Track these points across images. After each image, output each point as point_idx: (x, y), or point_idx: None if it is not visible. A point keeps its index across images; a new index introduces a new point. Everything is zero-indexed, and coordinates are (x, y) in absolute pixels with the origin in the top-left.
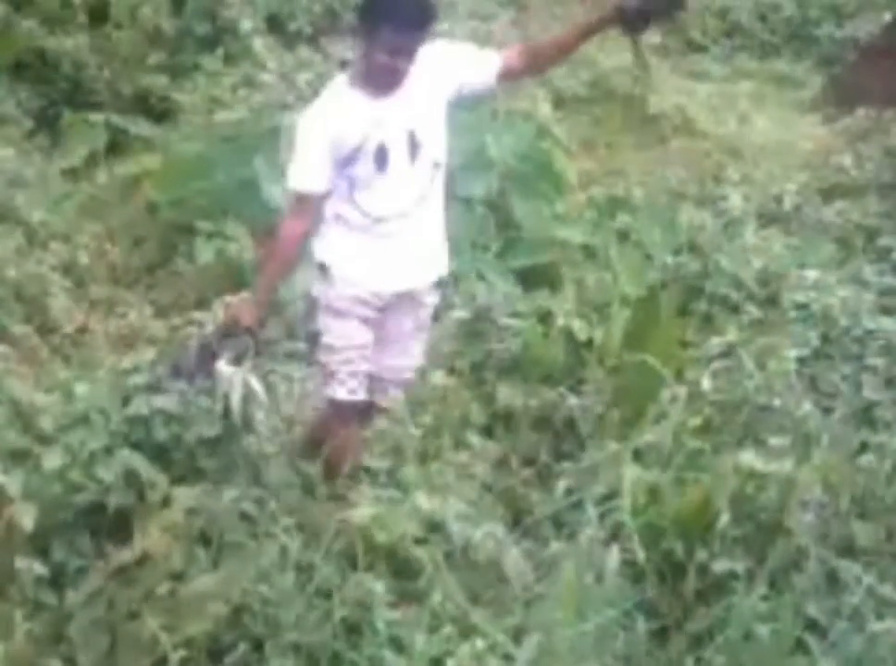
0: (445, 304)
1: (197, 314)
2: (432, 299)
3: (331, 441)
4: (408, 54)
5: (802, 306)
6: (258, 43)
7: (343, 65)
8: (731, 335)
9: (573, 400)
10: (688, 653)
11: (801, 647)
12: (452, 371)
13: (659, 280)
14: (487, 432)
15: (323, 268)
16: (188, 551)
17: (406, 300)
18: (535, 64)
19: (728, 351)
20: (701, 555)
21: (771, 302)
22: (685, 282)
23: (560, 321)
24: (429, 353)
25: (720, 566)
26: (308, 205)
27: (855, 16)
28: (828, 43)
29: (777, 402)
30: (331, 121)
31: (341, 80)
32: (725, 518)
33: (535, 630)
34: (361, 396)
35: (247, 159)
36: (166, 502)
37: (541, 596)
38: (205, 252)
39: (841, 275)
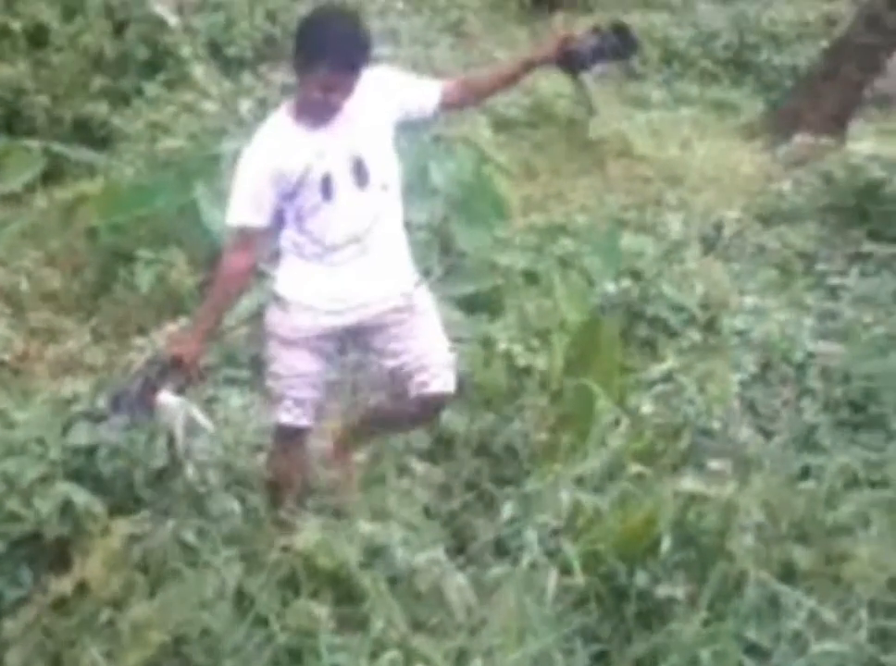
0: None
1: (138, 341)
2: (420, 300)
3: (276, 465)
4: (342, 90)
5: (741, 331)
6: (199, 70)
7: (285, 90)
8: (672, 360)
9: (515, 426)
10: None
11: None
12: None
13: (600, 306)
14: (430, 457)
15: (279, 300)
16: (127, 580)
17: (390, 313)
18: (475, 95)
19: (668, 376)
20: (642, 579)
21: (711, 327)
22: (626, 308)
23: (502, 347)
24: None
25: (662, 591)
26: (249, 240)
27: (794, 43)
28: (767, 69)
29: (717, 427)
30: (271, 155)
31: (281, 113)
32: (666, 542)
33: (477, 655)
34: (306, 422)
35: (188, 186)
36: (105, 532)
37: (483, 621)
38: (146, 279)
39: (781, 300)
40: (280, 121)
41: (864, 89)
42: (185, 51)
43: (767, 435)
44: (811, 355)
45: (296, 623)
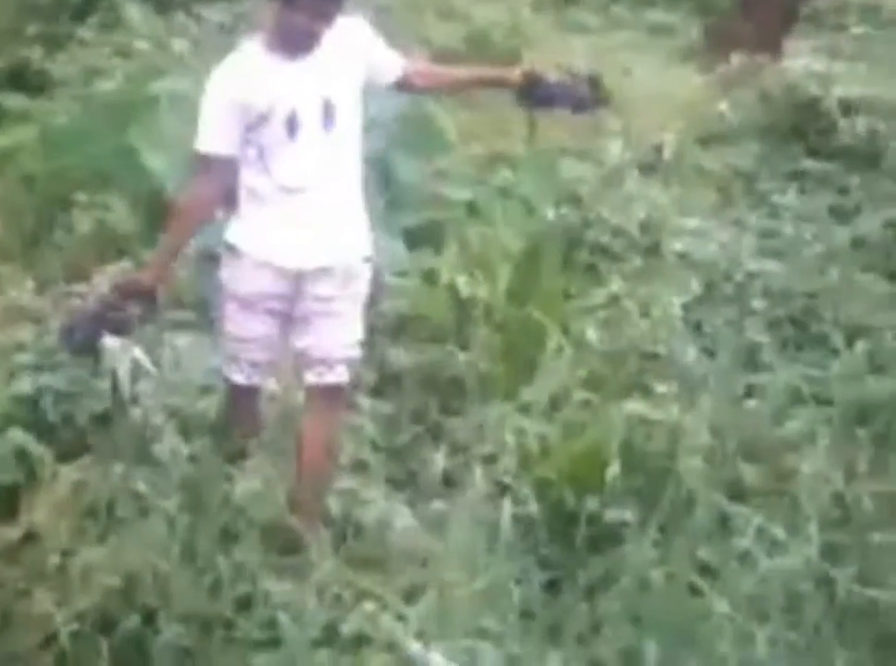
0: None
1: (80, 287)
2: (363, 272)
3: (228, 418)
4: (328, 16)
5: (683, 254)
6: (132, 11)
7: (221, 29)
8: (615, 285)
9: (460, 357)
10: (583, 602)
11: (694, 591)
12: None
13: (541, 233)
14: (376, 393)
15: (232, 249)
16: (76, 527)
17: (331, 274)
18: (430, 87)
19: (612, 301)
20: (592, 504)
21: (653, 250)
22: (567, 234)
23: (445, 278)
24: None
25: (612, 515)
26: (213, 169)
27: None
28: None
29: (662, 350)
30: (238, 83)
31: (253, 42)
32: (615, 467)
33: (429, 589)
34: (256, 381)
35: (124, 128)
36: (53, 479)
37: (434, 555)
38: (84, 224)
39: (722, 220)
40: (252, 50)
41: (798, 7)
42: None
43: (711, 355)
44: (752, 274)
45: (240, 569)
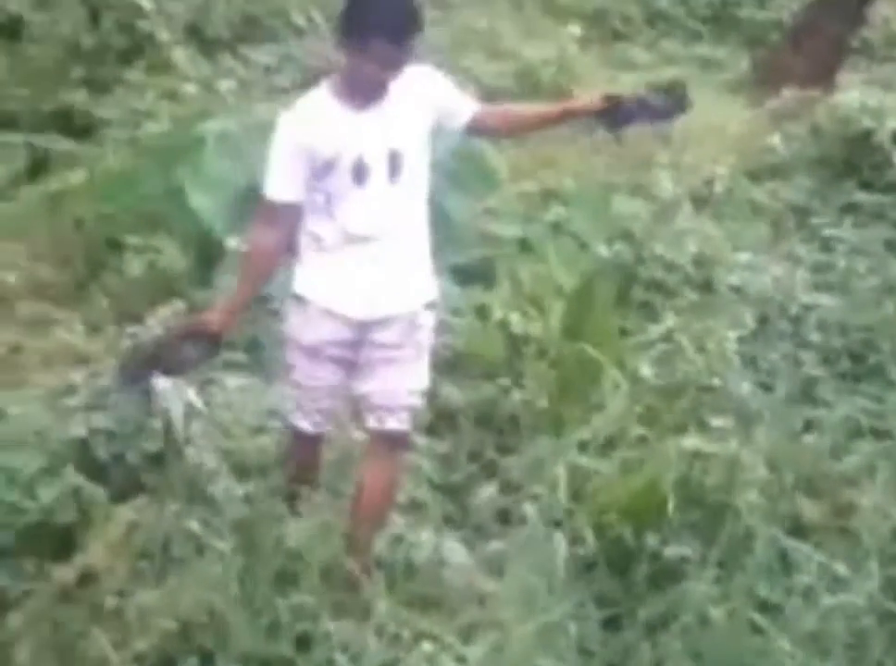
0: None
1: (131, 329)
2: (427, 320)
3: (289, 465)
4: (397, 66)
5: (737, 288)
6: (178, 53)
7: (267, 70)
8: (669, 320)
9: (515, 395)
10: (643, 640)
11: (755, 628)
12: None
13: (594, 270)
14: (432, 431)
15: (299, 300)
16: (132, 567)
17: (395, 322)
18: (508, 128)
19: (667, 337)
20: (651, 541)
21: (707, 285)
22: (621, 271)
23: (497, 316)
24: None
25: (671, 551)
26: (279, 215)
27: None
28: (751, 24)
29: (718, 384)
30: (306, 128)
31: (322, 89)
32: (672, 502)
33: (487, 628)
34: (324, 429)
35: (172, 170)
36: (107, 519)
37: (491, 594)
38: (135, 266)
39: (774, 254)
40: (320, 96)
41: (848, 40)
42: (163, 35)
43: (768, 389)
44: (807, 307)
45: (299, 608)
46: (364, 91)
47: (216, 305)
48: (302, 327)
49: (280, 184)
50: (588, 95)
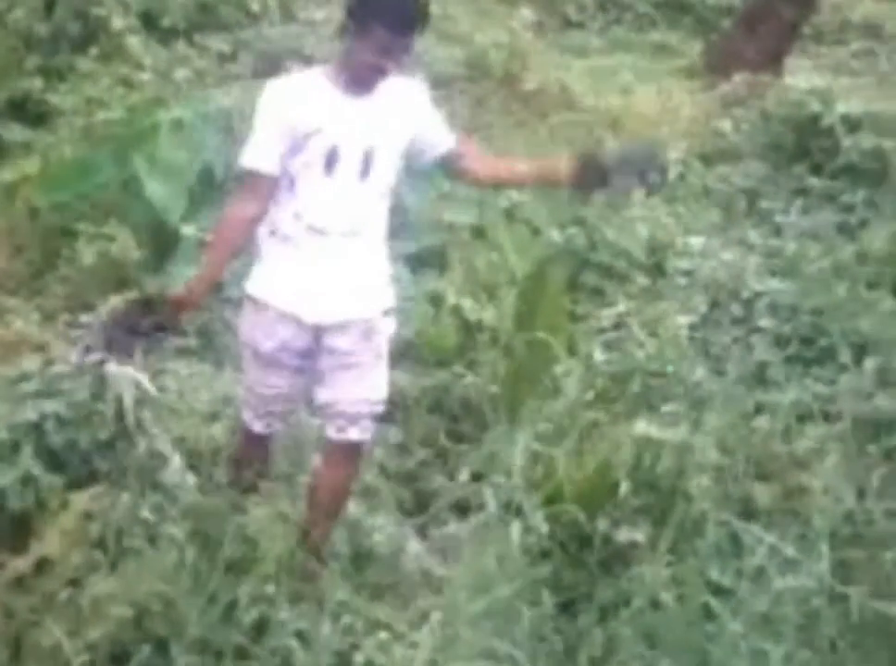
0: None
1: (85, 317)
2: (385, 328)
3: (239, 458)
4: (397, 55)
5: (688, 272)
6: (133, 41)
7: (222, 58)
8: (621, 305)
9: (468, 381)
10: (596, 625)
11: (707, 611)
12: None
13: (546, 256)
14: (384, 417)
15: (254, 302)
16: (86, 556)
17: (352, 328)
18: (481, 176)
19: (618, 322)
20: (602, 525)
21: (659, 270)
22: (573, 256)
23: (450, 302)
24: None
25: (623, 535)
26: (258, 187)
27: None
28: (703, 10)
29: (669, 369)
30: (291, 100)
31: (315, 71)
32: (624, 487)
33: (440, 615)
34: (277, 428)
35: (127, 158)
36: (62, 507)
37: (445, 580)
38: (88, 255)
39: (726, 239)
40: (312, 76)
41: (799, 25)
42: (118, 23)
43: (719, 374)
44: (758, 293)
45: (254, 596)
46: (357, 77)
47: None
48: (256, 332)
49: (260, 154)
50: (561, 159)
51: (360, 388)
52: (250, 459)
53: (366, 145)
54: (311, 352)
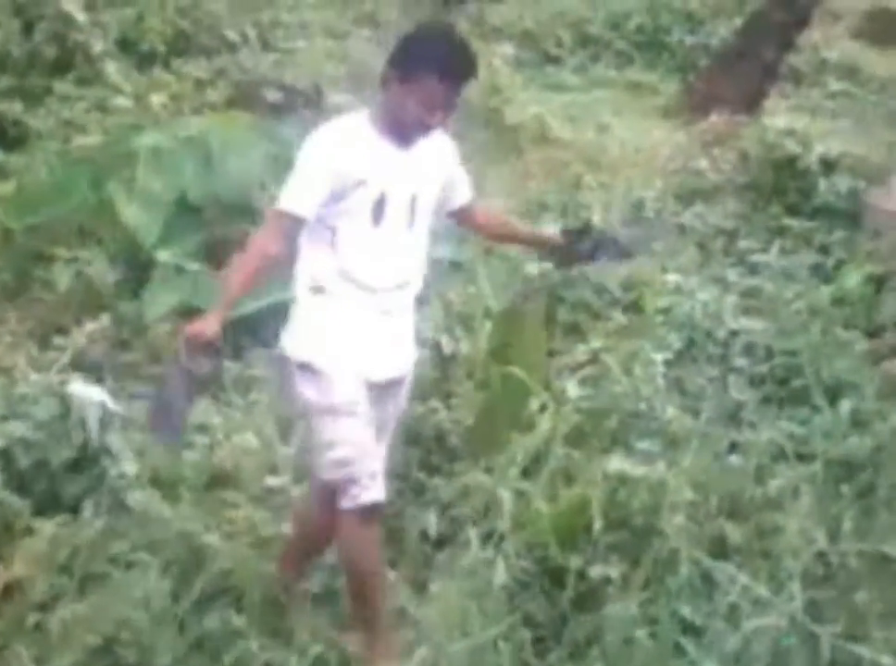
0: None
1: (58, 340)
2: (409, 380)
3: (355, 555)
4: (442, 107)
5: (665, 310)
6: (110, 66)
7: (199, 85)
8: (597, 342)
9: (443, 414)
10: (569, 661)
11: (679, 649)
12: None
13: (523, 291)
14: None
15: (308, 368)
16: (54, 582)
17: (400, 384)
18: (486, 231)
19: (594, 358)
20: (576, 562)
21: (635, 307)
22: (549, 292)
23: (427, 335)
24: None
25: (596, 572)
26: (289, 229)
27: (707, 21)
28: (681, 49)
29: (644, 407)
30: (339, 149)
31: (361, 116)
32: (598, 524)
33: (416, 650)
34: (384, 494)
35: (102, 183)
36: (29, 531)
37: (421, 615)
38: (63, 278)
39: (703, 277)
40: (357, 124)
41: (778, 65)
42: (96, 47)
43: (694, 413)
44: (734, 332)
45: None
46: (403, 127)
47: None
48: (325, 390)
49: (300, 197)
50: (551, 230)
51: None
52: (368, 552)
53: (410, 193)
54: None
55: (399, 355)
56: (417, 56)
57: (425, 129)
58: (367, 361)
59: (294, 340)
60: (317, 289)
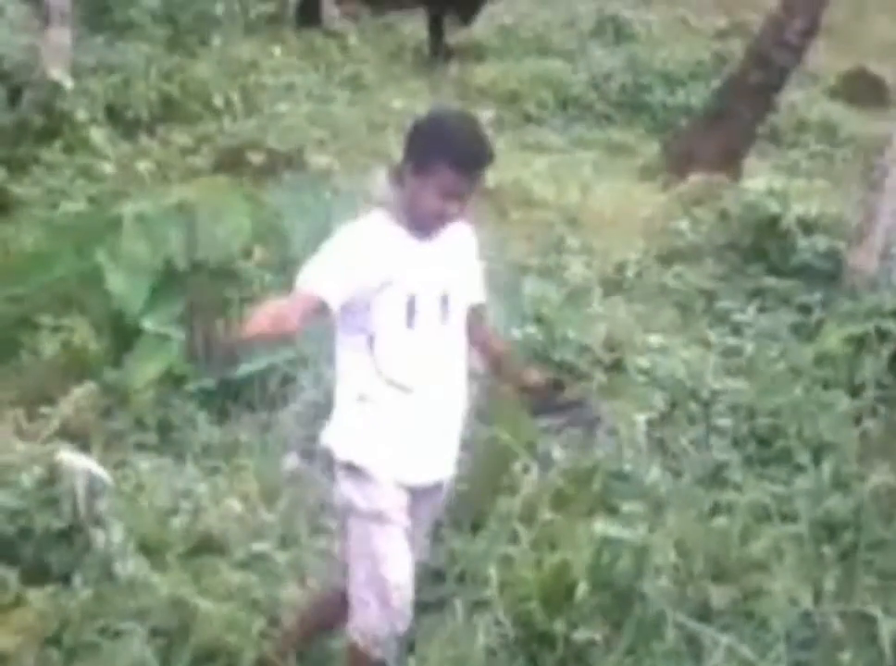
0: (295, 386)
1: (45, 409)
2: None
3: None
4: (459, 197)
5: (647, 371)
6: (96, 133)
7: (184, 151)
8: None
9: None
10: None
11: None
12: (305, 454)
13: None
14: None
15: (353, 468)
16: (42, 654)
17: (442, 489)
18: (478, 348)
19: None
20: (560, 625)
21: (617, 367)
22: (532, 353)
23: None
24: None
25: (580, 635)
26: (312, 312)
27: (686, 82)
28: (661, 109)
29: (627, 468)
30: (367, 247)
31: (379, 214)
32: (582, 587)
33: None
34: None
35: (88, 250)
36: (18, 602)
37: None
38: (49, 346)
39: (684, 338)
40: (380, 222)
41: (756, 126)
42: (81, 115)
43: (677, 474)
44: (716, 392)
45: None
46: (424, 221)
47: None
48: (368, 490)
49: (326, 281)
50: (527, 374)
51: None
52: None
53: (441, 290)
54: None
55: (441, 458)
56: (430, 146)
57: (444, 220)
58: (409, 465)
59: (339, 440)
60: (361, 397)
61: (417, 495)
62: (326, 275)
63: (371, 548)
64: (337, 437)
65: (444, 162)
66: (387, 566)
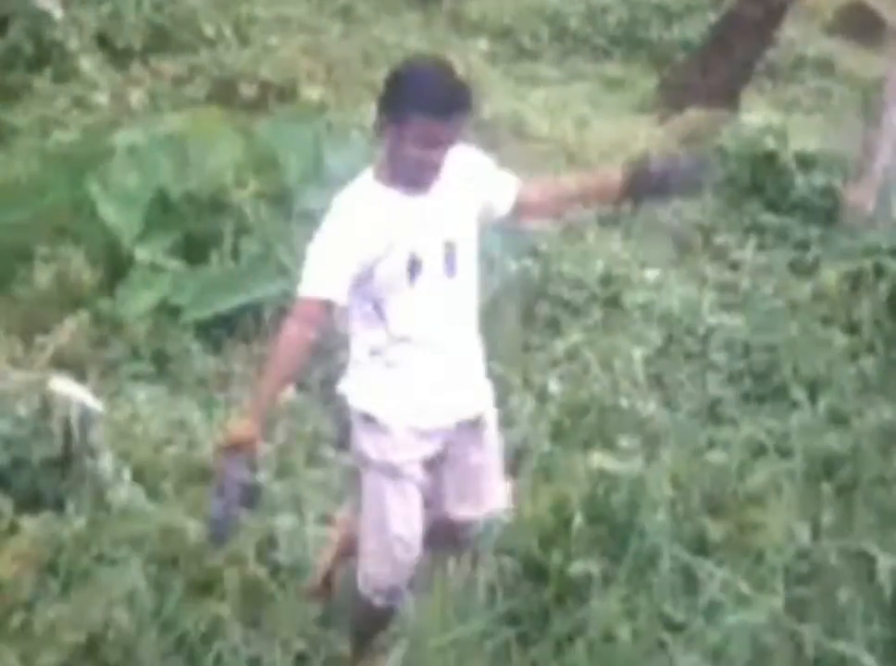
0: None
1: (39, 339)
2: (492, 420)
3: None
4: (444, 144)
5: (643, 306)
6: (87, 62)
7: (176, 81)
8: (576, 337)
9: None
10: (551, 657)
11: (660, 645)
12: (302, 386)
13: (502, 287)
14: (341, 444)
15: (368, 419)
16: (38, 581)
17: (468, 428)
18: (552, 205)
19: (573, 354)
20: (556, 558)
21: (614, 303)
22: (528, 287)
23: None
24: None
25: (576, 568)
26: (317, 314)
27: (684, 16)
28: (659, 44)
29: (623, 402)
30: (361, 224)
31: (368, 176)
32: (578, 520)
33: (398, 643)
34: (399, 602)
35: (81, 180)
36: (12, 530)
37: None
38: (44, 276)
39: (681, 273)
40: (368, 186)
41: (754, 61)
42: (72, 44)
43: (673, 408)
44: (713, 328)
45: (208, 620)
46: (409, 174)
47: (243, 414)
48: (382, 442)
49: (321, 281)
50: (610, 172)
51: (490, 498)
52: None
53: (444, 240)
54: (434, 465)
55: (459, 398)
56: (402, 96)
57: (428, 168)
58: (423, 409)
59: (355, 391)
60: (373, 352)
61: (454, 441)
62: (326, 274)
63: (380, 499)
64: (352, 388)
65: (418, 110)
66: (393, 519)
